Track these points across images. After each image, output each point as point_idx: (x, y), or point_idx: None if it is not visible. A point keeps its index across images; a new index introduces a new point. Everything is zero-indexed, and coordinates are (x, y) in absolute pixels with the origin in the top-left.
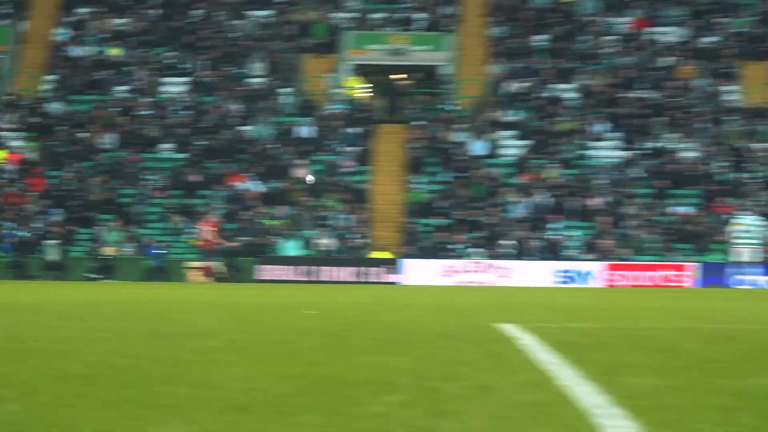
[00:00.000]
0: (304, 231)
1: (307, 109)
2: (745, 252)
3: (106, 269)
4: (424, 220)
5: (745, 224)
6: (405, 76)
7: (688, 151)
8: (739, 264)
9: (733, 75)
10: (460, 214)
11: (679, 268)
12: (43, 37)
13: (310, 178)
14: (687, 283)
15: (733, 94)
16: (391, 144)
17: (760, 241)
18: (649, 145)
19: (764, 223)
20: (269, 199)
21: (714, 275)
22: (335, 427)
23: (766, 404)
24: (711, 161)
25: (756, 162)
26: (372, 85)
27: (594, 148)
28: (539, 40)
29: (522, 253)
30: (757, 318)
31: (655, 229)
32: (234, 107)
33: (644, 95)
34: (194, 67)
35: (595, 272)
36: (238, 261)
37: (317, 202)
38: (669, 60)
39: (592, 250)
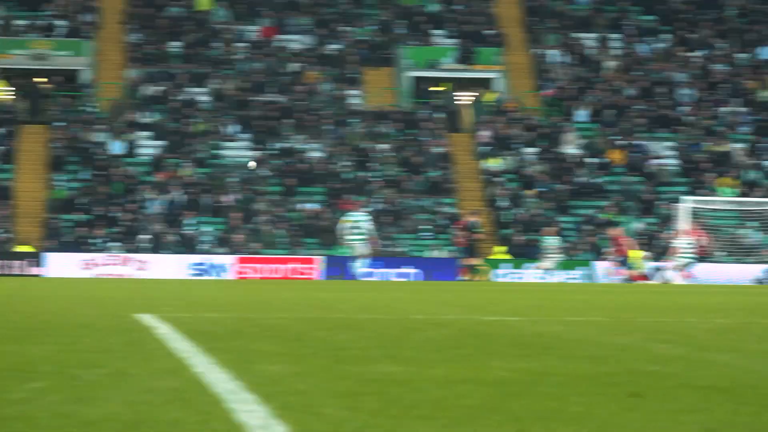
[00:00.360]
0: None
1: None
2: (356, 246)
3: None
4: (65, 216)
5: (353, 220)
6: (47, 79)
7: (315, 151)
8: (357, 257)
9: (355, 80)
10: (100, 210)
11: (307, 261)
12: None
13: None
14: (314, 275)
15: (356, 98)
16: (34, 143)
17: (367, 235)
18: (278, 145)
19: (370, 218)
20: None
21: (338, 268)
22: None
23: (388, 389)
24: (336, 161)
25: (377, 161)
26: (15, 88)
27: (226, 148)
28: (174, 46)
29: (158, 247)
30: (378, 307)
31: (284, 225)
32: None
33: (273, 99)
34: None
35: (228, 265)
36: None
37: None
38: (296, 66)
39: (224, 244)
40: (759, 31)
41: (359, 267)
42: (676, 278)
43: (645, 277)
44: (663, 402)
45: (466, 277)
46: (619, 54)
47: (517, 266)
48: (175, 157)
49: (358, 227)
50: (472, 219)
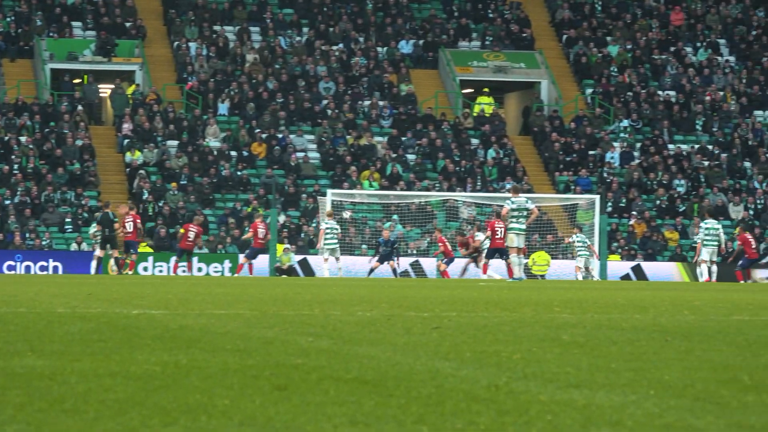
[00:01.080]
0: None
1: None
2: None
3: None
4: None
5: None
6: None
7: None
8: None
9: None
10: None
11: None
12: None
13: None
14: None
15: None
16: None
17: None
18: None
19: None
20: None
21: None
22: None
23: (34, 383)
24: None
25: (17, 154)
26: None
27: None
28: None
29: None
30: (21, 301)
31: None
32: None
33: None
34: None
35: None
36: None
37: None
38: None
39: None
40: (399, 26)
41: None
42: (326, 266)
43: (292, 270)
44: (309, 394)
45: (112, 271)
46: (259, 47)
47: (161, 259)
48: None
49: None
50: (107, 210)
